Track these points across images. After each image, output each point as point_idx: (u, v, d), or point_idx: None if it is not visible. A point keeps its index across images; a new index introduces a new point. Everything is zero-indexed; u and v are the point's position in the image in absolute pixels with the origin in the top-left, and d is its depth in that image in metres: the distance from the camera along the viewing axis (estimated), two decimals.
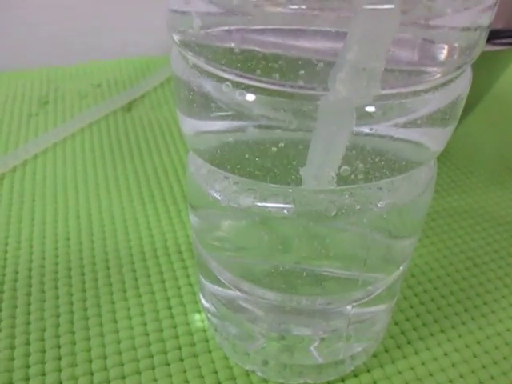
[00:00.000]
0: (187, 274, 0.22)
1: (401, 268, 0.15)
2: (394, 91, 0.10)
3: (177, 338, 0.19)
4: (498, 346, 0.19)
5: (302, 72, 0.09)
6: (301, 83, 0.09)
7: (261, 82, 0.09)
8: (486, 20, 0.11)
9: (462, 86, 0.12)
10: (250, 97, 0.10)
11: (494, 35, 0.21)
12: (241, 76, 0.09)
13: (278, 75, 0.09)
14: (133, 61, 0.41)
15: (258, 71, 0.09)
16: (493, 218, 0.26)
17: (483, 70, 0.23)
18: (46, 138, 0.29)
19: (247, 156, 0.11)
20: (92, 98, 0.35)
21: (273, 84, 0.09)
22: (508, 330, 0.20)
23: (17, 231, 0.24)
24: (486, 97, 0.28)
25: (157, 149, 0.30)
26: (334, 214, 0.12)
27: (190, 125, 0.13)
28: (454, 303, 0.21)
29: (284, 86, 0.09)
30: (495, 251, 0.24)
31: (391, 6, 0.09)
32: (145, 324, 0.20)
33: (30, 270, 0.22)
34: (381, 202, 0.12)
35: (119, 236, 0.24)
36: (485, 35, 0.11)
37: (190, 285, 0.21)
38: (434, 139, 0.12)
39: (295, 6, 0.09)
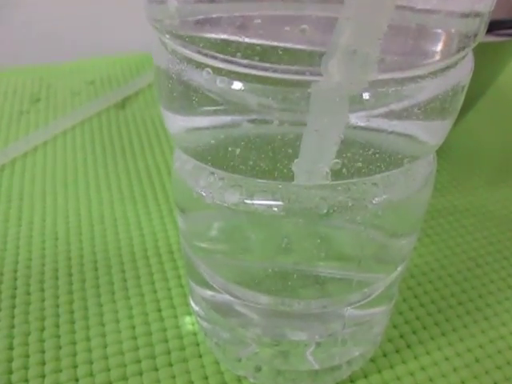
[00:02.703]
0: (178, 275, 0.21)
1: (398, 269, 0.15)
2: (389, 76, 0.09)
3: (166, 341, 0.18)
4: (501, 350, 0.19)
5: (290, 56, 0.09)
6: (289, 68, 0.09)
7: (243, 67, 0.09)
8: (485, 5, 0.10)
9: (461, 74, 0.11)
10: (233, 84, 0.09)
11: (496, 26, 0.21)
12: (222, 61, 0.09)
13: (262, 59, 0.09)
14: (127, 58, 0.40)
15: (239, 54, 0.08)
16: (495, 216, 0.26)
17: (486, 62, 0.23)
18: (36, 136, 0.29)
19: (236, 151, 0.10)
20: (85, 95, 0.35)
21: (256, 69, 0.09)
22: None
23: (3, 231, 0.23)
24: (489, 91, 0.27)
25: (150, 147, 0.30)
26: (325, 211, 0.11)
27: (173, 120, 0.12)
28: (455, 305, 0.20)
29: (268, 70, 0.09)
30: (498, 251, 0.23)
31: None
32: (133, 327, 0.19)
33: (15, 271, 0.21)
34: (376, 199, 0.11)
35: (109, 236, 0.23)
36: (485, 20, 0.11)
37: (181, 286, 0.21)
38: (432, 132, 0.12)
39: None
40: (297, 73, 0.09)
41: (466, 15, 0.10)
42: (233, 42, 0.08)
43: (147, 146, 0.30)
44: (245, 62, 0.08)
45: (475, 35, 0.10)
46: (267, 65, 0.08)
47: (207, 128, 0.11)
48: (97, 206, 0.25)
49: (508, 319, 0.20)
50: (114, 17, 0.42)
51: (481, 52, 0.22)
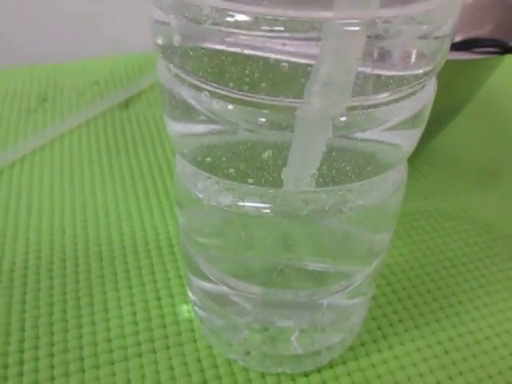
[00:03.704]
0: (177, 267, 0.23)
1: (372, 265, 0.16)
2: (361, 102, 0.11)
3: (164, 327, 0.20)
4: (468, 343, 0.20)
5: (277, 84, 0.10)
6: (275, 98, 0.10)
7: (236, 93, 0.10)
8: (444, 33, 0.12)
9: (426, 97, 0.13)
10: (227, 106, 0.11)
11: (476, 44, 0.22)
12: (216, 88, 0.10)
13: (252, 87, 0.10)
14: (130, 57, 0.42)
15: (231, 84, 0.10)
16: (474, 220, 0.27)
17: (467, 77, 0.24)
18: (44, 135, 0.30)
19: (230, 159, 0.12)
20: (90, 94, 0.36)
21: (247, 96, 0.10)
22: (480, 329, 0.21)
23: (14, 224, 0.25)
24: (471, 102, 0.29)
25: (152, 145, 0.31)
26: (305, 213, 0.13)
27: (174, 127, 0.14)
28: (430, 301, 0.22)
29: (255, 96, 0.10)
30: (473, 252, 0.25)
31: (356, 29, 0.10)
32: (134, 313, 0.21)
33: (26, 261, 0.23)
34: (351, 204, 0.13)
35: (113, 229, 0.25)
36: (446, 46, 0.12)
37: (179, 277, 0.22)
38: (403, 140, 0.13)
39: (260, 33, 0.09)
40: (283, 100, 0.10)
41: (424, 38, 0.11)
42: (226, 72, 0.10)
43: (149, 144, 0.31)
44: (238, 89, 0.10)
45: (435, 63, 0.12)
46: (259, 92, 0.10)
47: (203, 136, 0.13)
48: (102, 202, 0.26)
49: (477, 316, 0.22)
50: (119, 17, 0.44)
51: (462, 68, 0.23)
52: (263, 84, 0.10)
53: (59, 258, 0.23)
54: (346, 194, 0.13)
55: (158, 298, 0.21)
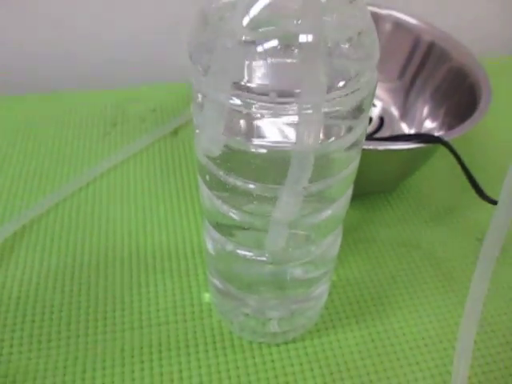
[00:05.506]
0: (204, 266, 0.34)
1: (313, 288, 0.27)
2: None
3: (192, 306, 0.32)
4: (389, 336, 0.31)
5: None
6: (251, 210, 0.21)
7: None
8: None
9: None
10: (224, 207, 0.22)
11: (416, 137, 0.32)
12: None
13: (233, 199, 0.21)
14: (181, 86, 0.52)
15: (231, 201, 0.21)
16: (422, 248, 0.37)
17: (411, 160, 0.35)
18: (114, 158, 0.42)
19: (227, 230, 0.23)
20: (149, 121, 0.48)
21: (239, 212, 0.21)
22: (400, 328, 0.31)
23: (98, 227, 0.37)
24: (437, 150, 0.37)
25: (193, 168, 0.42)
26: (271, 260, 0.23)
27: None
28: (370, 306, 0.33)
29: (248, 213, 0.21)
30: (413, 274, 0.35)
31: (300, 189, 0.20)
32: (174, 295, 0.32)
33: (106, 255, 0.35)
34: (301, 260, 0.24)
35: (164, 241, 0.36)
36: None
37: (204, 273, 0.34)
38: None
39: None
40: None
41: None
42: (230, 198, 0.21)
43: (191, 167, 0.43)
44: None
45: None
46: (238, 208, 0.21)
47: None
48: (156, 217, 0.38)
49: (401, 319, 0.32)
50: (178, 46, 0.54)
51: (409, 154, 0.33)
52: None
53: (127, 256, 0.35)
54: (299, 252, 0.24)
55: (190, 286, 0.33)
